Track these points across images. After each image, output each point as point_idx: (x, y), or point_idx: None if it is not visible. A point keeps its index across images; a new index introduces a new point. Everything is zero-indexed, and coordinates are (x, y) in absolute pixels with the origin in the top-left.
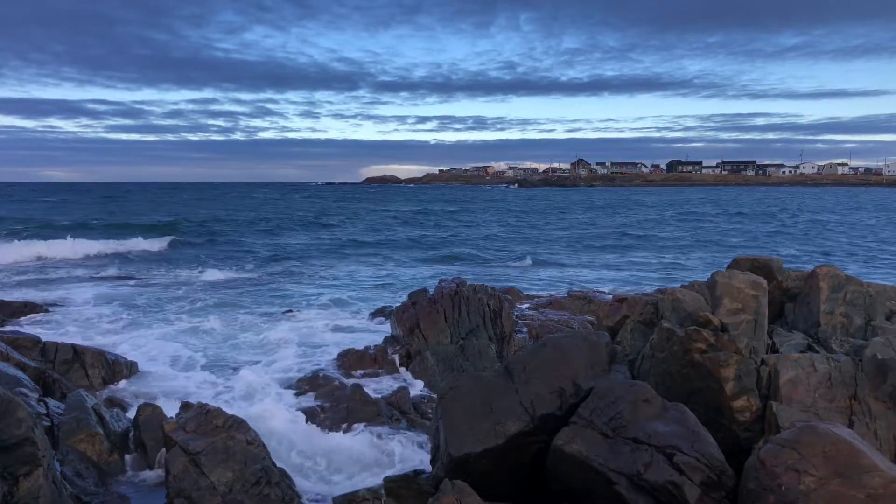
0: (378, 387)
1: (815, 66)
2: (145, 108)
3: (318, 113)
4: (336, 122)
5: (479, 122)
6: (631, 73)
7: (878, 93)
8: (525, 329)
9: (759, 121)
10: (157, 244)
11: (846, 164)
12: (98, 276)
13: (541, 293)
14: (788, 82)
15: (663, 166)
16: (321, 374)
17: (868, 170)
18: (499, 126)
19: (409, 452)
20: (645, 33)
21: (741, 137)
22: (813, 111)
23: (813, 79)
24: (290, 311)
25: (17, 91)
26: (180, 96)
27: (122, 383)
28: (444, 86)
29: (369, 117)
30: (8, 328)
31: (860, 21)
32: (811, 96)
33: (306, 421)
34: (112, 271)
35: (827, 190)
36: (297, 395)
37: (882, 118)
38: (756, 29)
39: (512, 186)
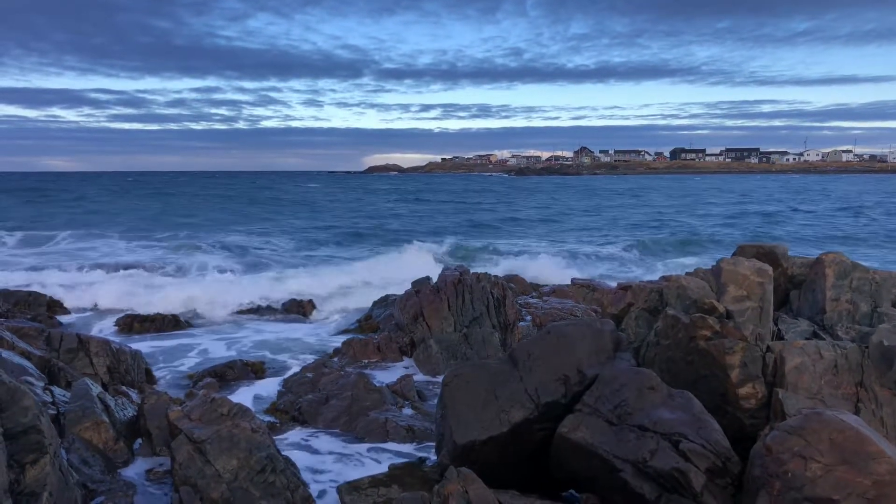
0: (382, 375)
1: (825, 51)
2: (148, 96)
3: (321, 101)
4: (339, 110)
5: (484, 110)
6: (638, 60)
7: (889, 78)
8: (529, 317)
9: (766, 108)
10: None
11: (851, 151)
12: None
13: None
14: (798, 68)
15: (667, 154)
16: (325, 362)
17: (873, 157)
18: (503, 114)
19: (413, 440)
20: (653, 18)
21: (747, 125)
22: (821, 98)
23: (823, 64)
24: None
25: (18, 80)
26: (183, 85)
27: None
28: (449, 73)
29: (373, 105)
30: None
31: (873, 4)
32: (820, 82)
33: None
34: None
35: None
36: (300, 383)
37: (891, 104)
38: (766, 13)
39: (508, 175)
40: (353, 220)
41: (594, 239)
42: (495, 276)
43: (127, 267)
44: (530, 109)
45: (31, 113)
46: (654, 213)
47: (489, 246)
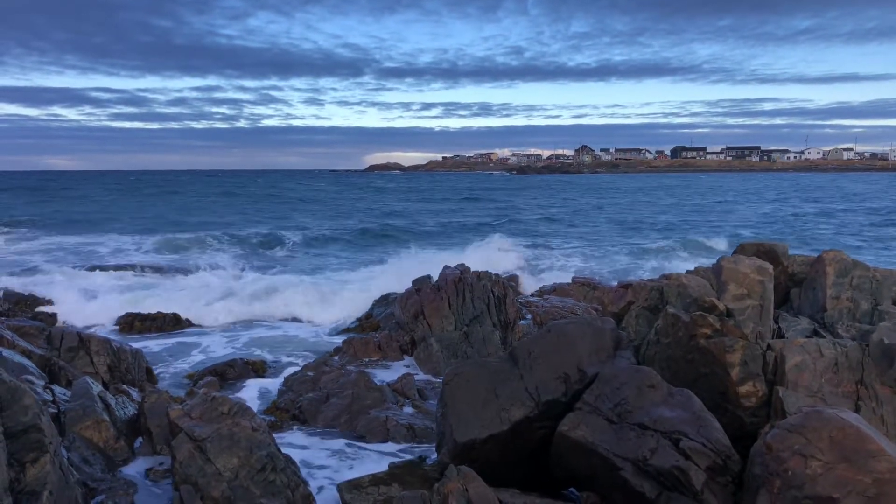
0: (383, 373)
1: (827, 49)
2: (149, 95)
3: (322, 100)
4: (340, 109)
5: (485, 109)
6: (639, 58)
7: (890, 76)
8: (529, 316)
9: (767, 106)
10: None
11: (852, 150)
12: None
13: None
14: (799, 66)
15: (667, 152)
16: (326, 361)
17: (874, 155)
18: (504, 112)
19: (413, 438)
20: (655, 17)
21: (748, 123)
22: (823, 96)
23: (824, 62)
24: None
25: (19, 79)
26: (184, 84)
27: None
28: (450, 72)
29: (374, 104)
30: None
31: (874, 2)
32: (822, 80)
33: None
34: None
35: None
36: (301, 381)
37: (892, 102)
38: (768, 11)
39: (510, 173)
40: (379, 220)
41: (639, 238)
42: (496, 275)
43: (130, 266)
44: (531, 108)
45: (32, 112)
46: (685, 212)
47: (559, 245)
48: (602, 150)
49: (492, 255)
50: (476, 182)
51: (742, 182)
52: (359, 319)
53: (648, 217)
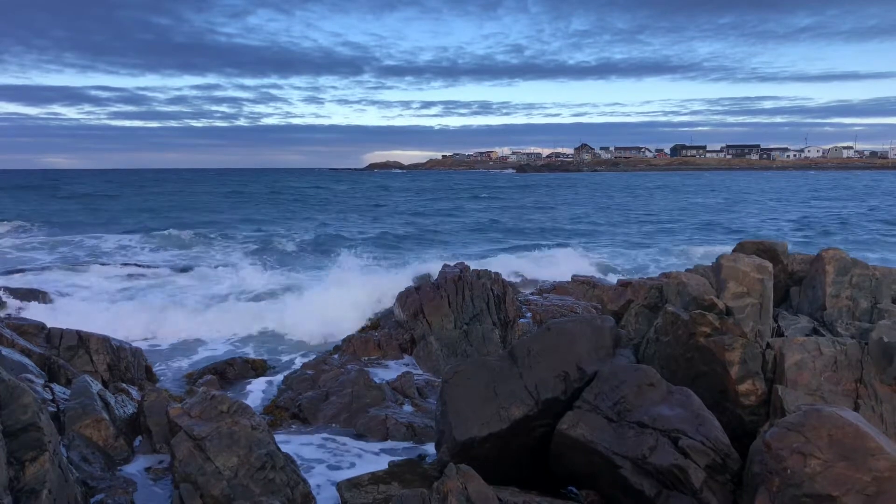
0: (383, 372)
1: (827, 47)
2: (148, 94)
3: (322, 98)
4: (340, 107)
5: (485, 107)
6: (640, 56)
7: (890, 75)
8: (529, 314)
9: (767, 104)
10: None
11: (851, 148)
12: None
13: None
14: (799, 64)
15: (667, 151)
16: (326, 359)
17: (874, 153)
18: (504, 111)
19: (413, 437)
20: (655, 14)
21: (748, 121)
22: (822, 94)
23: (825, 61)
24: None
25: (19, 78)
26: (183, 82)
27: None
28: (450, 70)
29: (373, 102)
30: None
31: (875, 1)
32: (822, 79)
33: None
34: None
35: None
36: (300, 380)
37: (892, 100)
38: (769, 9)
39: (508, 171)
40: (395, 219)
41: (699, 240)
42: (495, 273)
43: (131, 264)
44: (531, 106)
45: (31, 110)
46: (715, 213)
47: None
48: (602, 148)
49: (566, 262)
50: (481, 181)
51: (752, 181)
52: None
53: (710, 217)
